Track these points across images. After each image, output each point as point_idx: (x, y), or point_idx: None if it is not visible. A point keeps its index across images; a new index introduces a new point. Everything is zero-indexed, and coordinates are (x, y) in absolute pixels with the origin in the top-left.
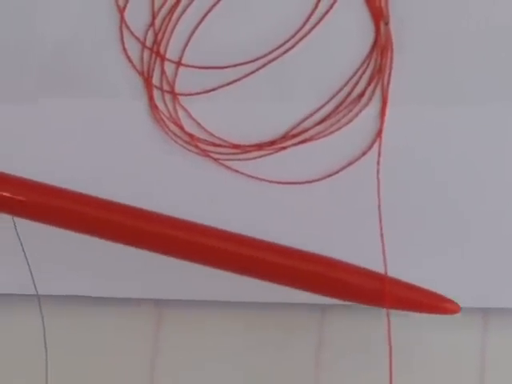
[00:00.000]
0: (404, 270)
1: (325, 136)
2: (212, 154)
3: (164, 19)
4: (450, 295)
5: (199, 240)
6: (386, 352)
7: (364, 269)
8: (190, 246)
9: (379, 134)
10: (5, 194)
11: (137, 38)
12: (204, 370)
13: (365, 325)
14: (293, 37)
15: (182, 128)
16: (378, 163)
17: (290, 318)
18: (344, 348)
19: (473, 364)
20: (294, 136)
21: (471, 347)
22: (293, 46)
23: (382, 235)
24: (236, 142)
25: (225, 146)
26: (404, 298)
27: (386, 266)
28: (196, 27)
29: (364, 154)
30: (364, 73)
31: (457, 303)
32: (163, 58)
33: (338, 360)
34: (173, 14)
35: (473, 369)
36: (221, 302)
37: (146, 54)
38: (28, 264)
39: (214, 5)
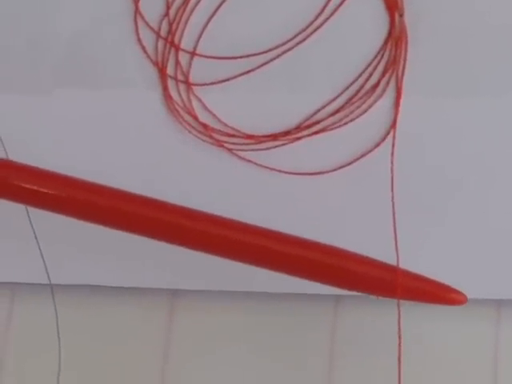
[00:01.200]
0: (416, 261)
1: (339, 127)
2: (226, 145)
3: (178, 9)
4: (463, 286)
5: (213, 231)
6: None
7: (375, 260)
8: (204, 236)
9: (393, 125)
10: (19, 183)
11: (151, 28)
12: (216, 360)
13: (379, 315)
14: (307, 27)
15: (196, 118)
16: (392, 154)
17: (304, 308)
18: (357, 338)
19: (486, 356)
20: (308, 127)
21: (484, 339)
22: (307, 37)
23: (394, 227)
24: (250, 132)
25: (239, 137)
26: (414, 288)
27: (398, 257)
28: (210, 17)
29: (378, 145)
30: (378, 64)
31: (464, 294)
32: (177, 48)
33: (351, 350)
34: (187, 4)
35: (486, 360)
36: (234, 292)
37: (161, 44)
38: (41, 253)
39: None
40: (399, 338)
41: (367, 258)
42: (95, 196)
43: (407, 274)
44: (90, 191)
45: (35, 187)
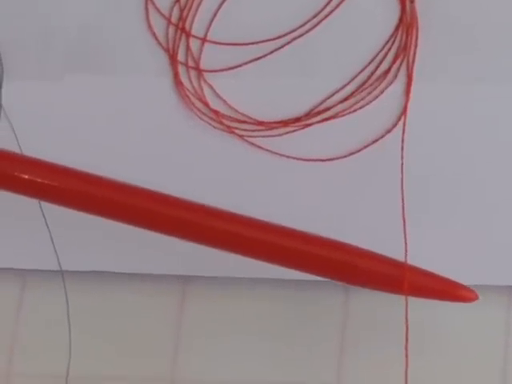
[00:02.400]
0: (426, 246)
1: (349, 113)
2: (236, 131)
3: None
4: (474, 273)
5: (219, 226)
6: (411, 332)
7: (383, 256)
8: (208, 231)
9: (404, 111)
10: (18, 174)
11: (162, 15)
12: (227, 346)
13: (390, 301)
14: (318, 14)
15: (206, 104)
16: (403, 141)
17: (315, 294)
18: (368, 325)
19: (497, 343)
20: (319, 113)
21: (495, 325)
22: (318, 23)
23: (403, 213)
24: (261, 118)
25: (249, 123)
26: (422, 285)
27: (406, 249)
28: (221, 4)
29: (388, 131)
30: (389, 50)
31: (474, 291)
32: (188, 35)
33: (362, 336)
34: None
35: (497, 346)
36: (245, 279)
37: (172, 30)
38: (52, 240)
39: None
40: (406, 331)
41: (375, 253)
42: (94, 188)
43: (415, 271)
44: (89, 183)
45: (34, 178)
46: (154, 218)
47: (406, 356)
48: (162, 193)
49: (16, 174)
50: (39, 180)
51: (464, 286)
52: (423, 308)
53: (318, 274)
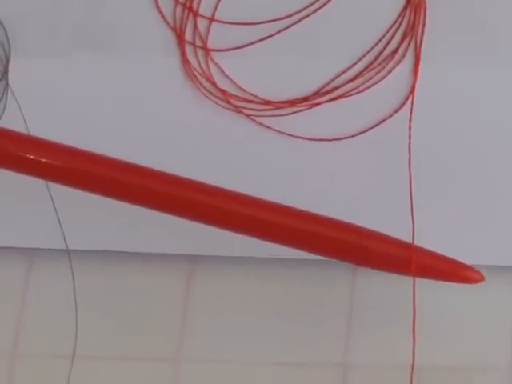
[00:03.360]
0: (434, 226)
1: (357, 93)
2: (244, 110)
3: None
4: (482, 253)
5: (227, 207)
6: (418, 311)
7: (390, 237)
8: (216, 212)
9: (412, 91)
10: (17, 153)
11: None
12: (234, 325)
13: (396, 283)
14: None
15: (214, 84)
16: (410, 121)
17: (322, 273)
18: (376, 303)
19: (505, 323)
20: (327, 93)
21: (503, 306)
22: (326, 3)
23: (411, 192)
24: (268, 98)
25: (257, 102)
26: (429, 266)
27: (413, 228)
28: None
29: (396, 111)
30: (397, 30)
31: (480, 272)
32: (196, 14)
33: (369, 315)
34: None
35: (505, 327)
36: (252, 259)
37: (179, 9)
38: (58, 219)
39: None
40: (414, 313)
41: (382, 235)
42: (98, 168)
43: (422, 252)
44: (94, 163)
45: (33, 157)
46: (160, 198)
47: (414, 337)
48: (168, 173)
49: (21, 154)
50: (43, 160)
51: (470, 267)
52: (430, 288)
53: (325, 255)
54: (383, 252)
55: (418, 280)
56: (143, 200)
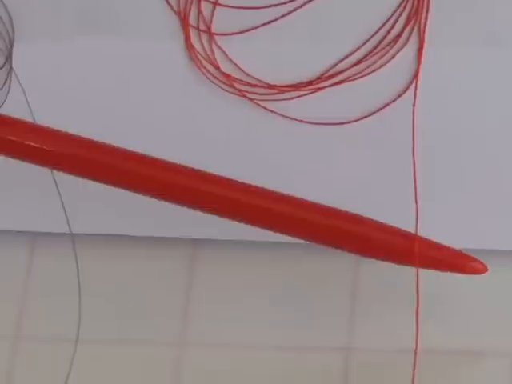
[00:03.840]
0: (437, 210)
1: (361, 77)
2: (248, 94)
3: None
4: (488, 238)
5: (225, 194)
6: (422, 296)
7: (393, 228)
8: (217, 201)
9: (416, 75)
10: (31, 143)
11: None
12: (237, 309)
13: (401, 268)
14: None
15: (218, 68)
16: (414, 105)
17: (326, 257)
18: (379, 291)
19: (509, 307)
20: (330, 77)
21: (507, 290)
22: None
23: (414, 178)
24: (272, 82)
25: (261, 87)
26: (433, 258)
27: (417, 214)
28: None
29: (400, 95)
30: (401, 14)
31: (483, 263)
32: None
33: (372, 302)
34: None
35: (509, 311)
36: (255, 243)
37: None
38: (62, 202)
39: None
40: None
41: (385, 225)
42: (87, 152)
43: (426, 243)
44: (84, 148)
45: (34, 144)
46: (159, 187)
47: (417, 322)
48: (167, 161)
49: (21, 141)
50: (44, 148)
51: (474, 258)
52: (434, 273)
53: (328, 245)
54: (386, 242)
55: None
56: (143, 189)
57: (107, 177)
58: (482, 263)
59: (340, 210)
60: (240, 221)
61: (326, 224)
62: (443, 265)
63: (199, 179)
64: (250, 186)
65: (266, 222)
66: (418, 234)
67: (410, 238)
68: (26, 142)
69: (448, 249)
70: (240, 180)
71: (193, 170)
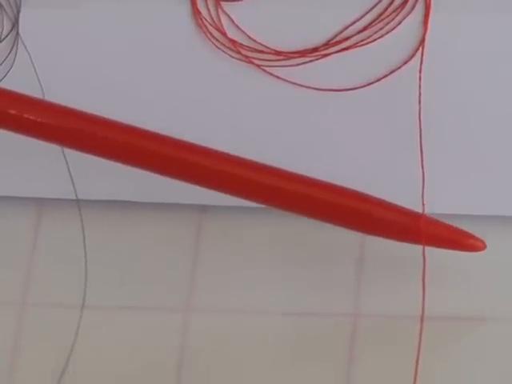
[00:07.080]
0: (444, 180)
1: (367, 43)
2: (254, 61)
3: None
4: (495, 204)
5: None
6: (429, 261)
7: (397, 205)
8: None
9: (422, 41)
10: (30, 116)
11: None
12: (244, 275)
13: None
14: None
15: (224, 34)
16: (420, 71)
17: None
18: (385, 260)
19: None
20: (337, 43)
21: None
22: None
23: (421, 144)
24: (279, 48)
25: (267, 53)
26: (436, 235)
27: (423, 184)
28: None
29: (406, 62)
30: None
31: (482, 240)
32: None
33: (379, 267)
34: None
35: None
36: (262, 209)
37: None
38: (68, 168)
39: None
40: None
41: (389, 203)
42: (79, 124)
43: (430, 221)
44: (79, 120)
45: (32, 117)
46: (163, 162)
47: (423, 288)
48: (170, 137)
49: (20, 114)
50: (44, 121)
51: (474, 236)
52: None
53: (331, 222)
54: (390, 220)
55: None
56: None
57: (109, 152)
58: (481, 241)
59: (345, 188)
60: (243, 197)
61: (330, 201)
62: (445, 242)
63: (203, 156)
64: (248, 161)
65: (269, 199)
66: (424, 199)
67: (414, 216)
68: (26, 116)
69: (449, 226)
70: (245, 146)
71: (197, 146)
